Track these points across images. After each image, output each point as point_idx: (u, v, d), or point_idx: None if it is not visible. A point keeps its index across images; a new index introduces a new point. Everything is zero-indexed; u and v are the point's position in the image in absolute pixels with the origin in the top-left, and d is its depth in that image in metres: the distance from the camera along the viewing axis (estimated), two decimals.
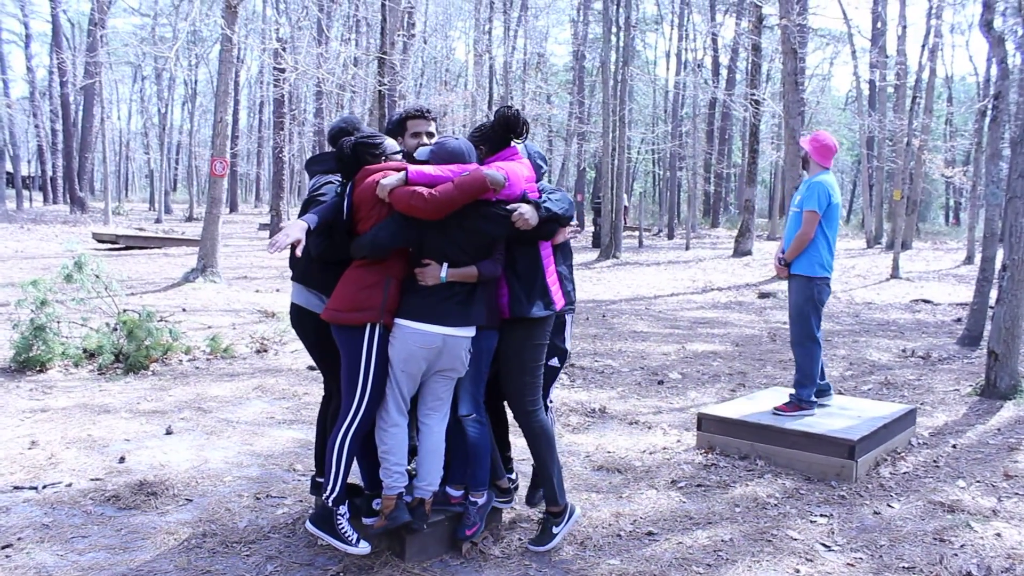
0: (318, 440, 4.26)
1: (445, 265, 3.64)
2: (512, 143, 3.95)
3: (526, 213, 3.68)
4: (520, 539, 4.16)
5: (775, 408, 5.70)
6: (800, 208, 5.67)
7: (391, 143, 3.88)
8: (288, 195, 34.84)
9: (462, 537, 3.88)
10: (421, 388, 3.85)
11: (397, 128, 4.16)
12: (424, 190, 3.54)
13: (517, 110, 3.93)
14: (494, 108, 31.54)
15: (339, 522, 3.74)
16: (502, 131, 3.90)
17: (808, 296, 5.65)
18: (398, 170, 3.67)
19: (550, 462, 4.04)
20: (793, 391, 5.77)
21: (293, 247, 3.58)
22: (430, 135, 4.11)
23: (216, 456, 5.35)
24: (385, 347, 3.68)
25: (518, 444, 4.65)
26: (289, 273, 4.24)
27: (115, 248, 21.05)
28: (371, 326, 3.64)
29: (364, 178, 3.70)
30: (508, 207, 3.69)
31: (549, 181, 4.36)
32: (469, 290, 3.70)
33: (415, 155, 3.92)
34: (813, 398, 5.73)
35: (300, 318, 4.08)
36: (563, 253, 4.22)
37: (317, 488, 4.12)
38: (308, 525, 3.82)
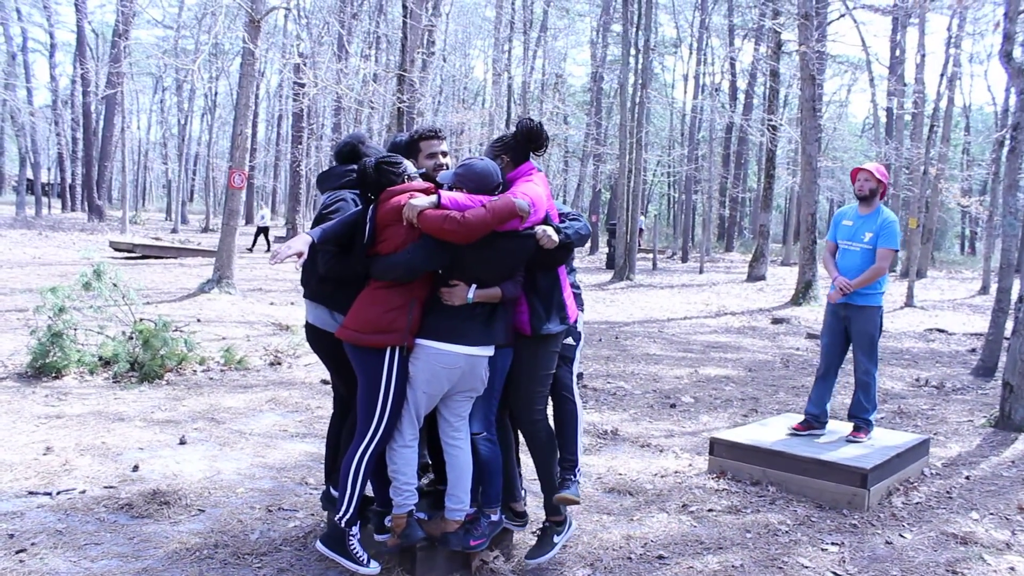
0: (328, 454, 4.27)
1: (473, 286, 3.64)
2: (531, 156, 3.97)
3: (549, 231, 3.73)
4: None
5: (849, 435, 5.83)
6: (873, 245, 5.85)
7: (410, 165, 3.85)
8: (304, 208, 35.08)
9: (465, 546, 3.81)
10: (442, 410, 3.83)
11: (407, 150, 4.08)
12: (456, 213, 3.51)
13: (539, 122, 3.95)
14: (511, 127, 31.70)
15: (351, 543, 3.73)
16: (524, 142, 3.92)
17: (877, 324, 5.90)
18: (424, 191, 3.67)
19: (554, 470, 4.06)
20: (859, 416, 5.90)
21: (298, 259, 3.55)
22: (444, 154, 4.12)
23: (229, 467, 5.38)
24: (405, 369, 3.66)
25: (530, 465, 4.64)
26: None
27: (131, 257, 21.20)
28: (392, 348, 3.62)
29: (388, 199, 3.66)
30: (533, 229, 3.73)
31: (564, 203, 4.39)
32: (491, 310, 3.70)
33: (438, 178, 3.89)
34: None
35: (316, 337, 4.04)
36: (569, 266, 4.26)
37: (330, 501, 4.11)
38: (319, 545, 3.81)
